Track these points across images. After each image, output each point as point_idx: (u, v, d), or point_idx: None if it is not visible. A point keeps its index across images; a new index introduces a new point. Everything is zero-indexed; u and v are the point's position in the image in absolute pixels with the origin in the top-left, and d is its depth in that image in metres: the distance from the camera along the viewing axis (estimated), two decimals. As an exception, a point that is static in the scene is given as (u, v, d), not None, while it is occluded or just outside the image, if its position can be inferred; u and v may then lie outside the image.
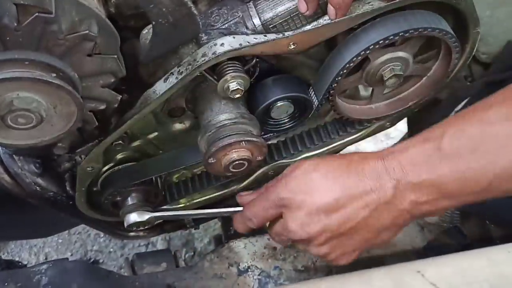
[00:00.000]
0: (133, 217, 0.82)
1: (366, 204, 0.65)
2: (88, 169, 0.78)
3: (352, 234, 0.67)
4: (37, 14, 0.52)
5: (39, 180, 0.82)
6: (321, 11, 0.69)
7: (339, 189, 0.66)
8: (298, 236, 0.69)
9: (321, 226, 0.67)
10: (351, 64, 0.71)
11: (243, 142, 0.73)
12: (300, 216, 0.68)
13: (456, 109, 0.89)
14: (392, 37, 0.69)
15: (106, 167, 0.83)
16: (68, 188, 0.84)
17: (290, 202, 0.69)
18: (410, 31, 0.69)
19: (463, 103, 0.89)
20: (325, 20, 0.69)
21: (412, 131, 1.08)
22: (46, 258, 1.70)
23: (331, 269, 0.81)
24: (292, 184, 0.70)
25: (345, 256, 0.70)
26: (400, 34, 0.69)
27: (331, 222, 0.66)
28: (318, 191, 0.67)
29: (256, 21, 0.70)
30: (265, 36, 0.69)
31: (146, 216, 0.82)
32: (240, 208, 0.79)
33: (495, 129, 0.62)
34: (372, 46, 0.69)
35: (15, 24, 0.52)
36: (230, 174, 0.79)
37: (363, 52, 0.70)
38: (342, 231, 0.67)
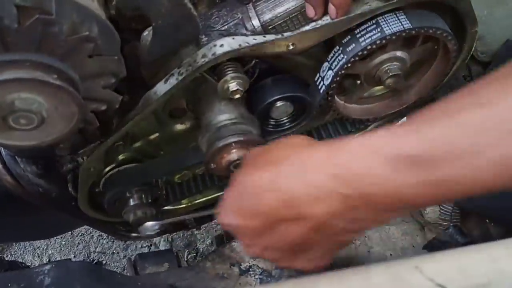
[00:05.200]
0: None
1: None
2: (90, 170, 0.79)
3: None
4: (37, 16, 0.53)
5: (41, 181, 0.83)
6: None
7: None
8: None
9: None
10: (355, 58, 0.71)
11: (243, 142, 0.74)
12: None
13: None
14: (388, 37, 0.69)
15: (108, 168, 0.83)
16: (70, 189, 0.85)
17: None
18: (407, 31, 0.69)
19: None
20: (323, 20, 0.69)
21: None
22: (49, 260, 1.71)
23: (331, 267, 0.81)
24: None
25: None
26: (397, 34, 0.69)
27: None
28: None
29: (256, 22, 0.71)
30: (264, 37, 0.70)
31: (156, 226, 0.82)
32: None
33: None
34: (369, 47, 0.70)
35: (16, 26, 0.52)
36: (231, 173, 0.80)
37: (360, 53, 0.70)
38: None
